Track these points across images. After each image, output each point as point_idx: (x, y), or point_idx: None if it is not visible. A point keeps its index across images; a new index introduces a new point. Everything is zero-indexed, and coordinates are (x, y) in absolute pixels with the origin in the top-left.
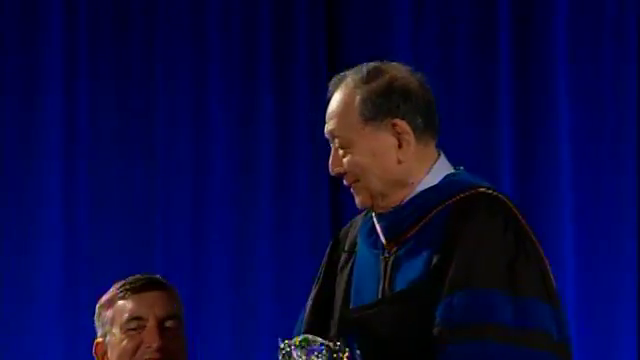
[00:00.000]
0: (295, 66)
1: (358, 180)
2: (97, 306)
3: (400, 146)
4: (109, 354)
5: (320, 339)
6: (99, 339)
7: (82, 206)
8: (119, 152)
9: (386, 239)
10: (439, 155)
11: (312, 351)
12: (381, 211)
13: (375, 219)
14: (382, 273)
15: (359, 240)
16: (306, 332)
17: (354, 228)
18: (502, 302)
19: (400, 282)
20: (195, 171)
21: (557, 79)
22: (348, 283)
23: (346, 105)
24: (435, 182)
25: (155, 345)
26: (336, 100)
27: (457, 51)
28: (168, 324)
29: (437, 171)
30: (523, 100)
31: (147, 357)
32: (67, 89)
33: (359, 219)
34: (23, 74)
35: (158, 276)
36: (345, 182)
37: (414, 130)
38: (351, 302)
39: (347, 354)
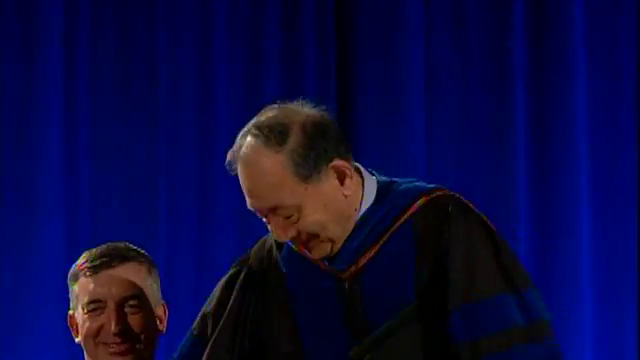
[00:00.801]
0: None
1: (316, 236)
2: (68, 276)
3: (342, 183)
4: (79, 328)
5: None
6: (70, 312)
7: (83, 171)
8: (121, 117)
9: (338, 269)
10: (360, 169)
11: None
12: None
13: None
14: (345, 301)
15: (287, 272)
16: None
17: (266, 261)
18: (510, 305)
19: (378, 306)
20: (199, 135)
21: (574, 49)
22: (291, 319)
23: (275, 175)
24: (372, 198)
25: (114, 329)
26: (257, 174)
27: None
28: (130, 304)
29: (369, 186)
30: (538, 72)
31: (109, 341)
32: (68, 51)
33: (271, 250)
34: (23, 32)
35: (124, 245)
36: (297, 243)
37: (347, 160)
38: (305, 337)
39: None
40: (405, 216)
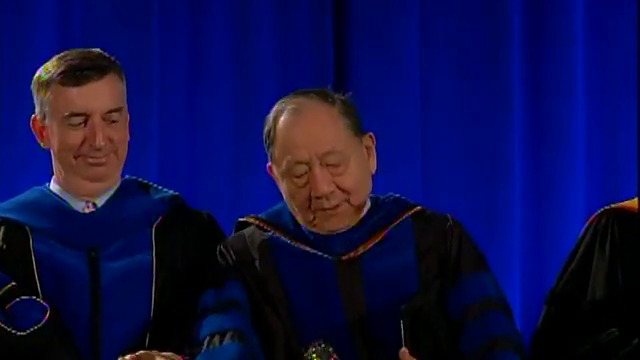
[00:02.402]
0: None
1: (346, 200)
2: (34, 78)
3: (368, 157)
4: (48, 136)
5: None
6: (37, 116)
7: None
8: None
9: (339, 252)
10: None
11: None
12: (339, 230)
13: (321, 234)
14: (344, 278)
15: (276, 256)
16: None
17: (251, 250)
18: (487, 280)
19: (376, 282)
20: None
21: None
22: (285, 294)
23: (333, 121)
24: (369, 205)
25: (99, 143)
26: (316, 121)
27: None
28: (112, 117)
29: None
30: None
31: (91, 154)
32: None
33: (254, 242)
34: None
35: (98, 53)
36: (327, 205)
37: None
38: (299, 309)
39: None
40: (404, 216)
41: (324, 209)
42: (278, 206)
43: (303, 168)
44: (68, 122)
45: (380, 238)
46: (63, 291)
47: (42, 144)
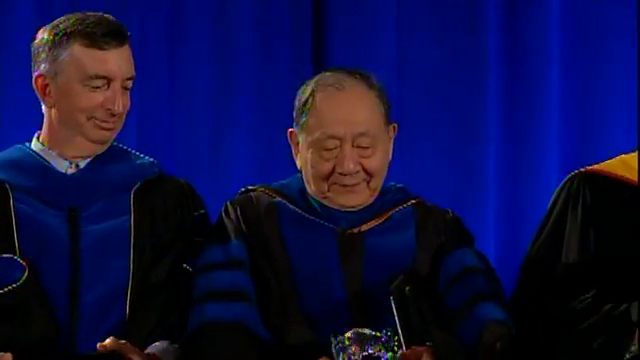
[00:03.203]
0: None
1: (367, 181)
2: (45, 36)
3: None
4: (53, 94)
5: (368, 330)
6: (43, 73)
7: None
8: None
9: (344, 227)
10: None
11: (367, 342)
12: (347, 209)
13: (328, 208)
14: (346, 251)
15: (281, 220)
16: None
17: (257, 209)
18: (469, 253)
19: (376, 258)
20: None
21: None
22: (287, 260)
23: (372, 105)
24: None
25: (118, 109)
26: (358, 102)
27: None
28: (128, 85)
29: None
30: None
31: (105, 118)
32: None
33: (260, 203)
34: None
35: (113, 19)
36: (348, 182)
37: None
38: (300, 275)
39: (396, 340)
40: (407, 203)
41: (343, 185)
42: (284, 181)
43: (334, 143)
44: (88, 84)
45: (384, 219)
46: (42, 251)
47: (45, 102)
